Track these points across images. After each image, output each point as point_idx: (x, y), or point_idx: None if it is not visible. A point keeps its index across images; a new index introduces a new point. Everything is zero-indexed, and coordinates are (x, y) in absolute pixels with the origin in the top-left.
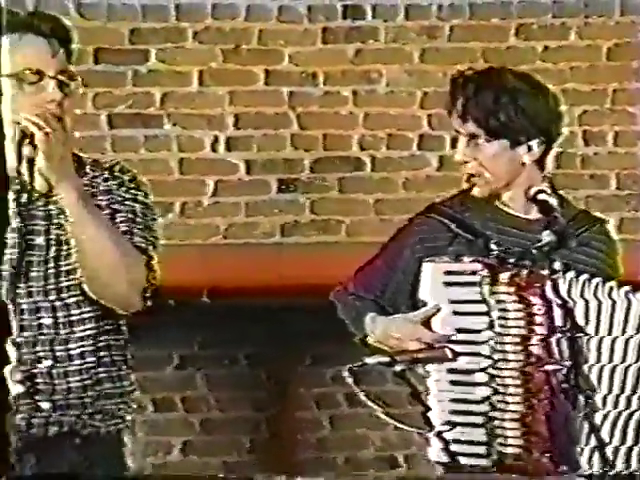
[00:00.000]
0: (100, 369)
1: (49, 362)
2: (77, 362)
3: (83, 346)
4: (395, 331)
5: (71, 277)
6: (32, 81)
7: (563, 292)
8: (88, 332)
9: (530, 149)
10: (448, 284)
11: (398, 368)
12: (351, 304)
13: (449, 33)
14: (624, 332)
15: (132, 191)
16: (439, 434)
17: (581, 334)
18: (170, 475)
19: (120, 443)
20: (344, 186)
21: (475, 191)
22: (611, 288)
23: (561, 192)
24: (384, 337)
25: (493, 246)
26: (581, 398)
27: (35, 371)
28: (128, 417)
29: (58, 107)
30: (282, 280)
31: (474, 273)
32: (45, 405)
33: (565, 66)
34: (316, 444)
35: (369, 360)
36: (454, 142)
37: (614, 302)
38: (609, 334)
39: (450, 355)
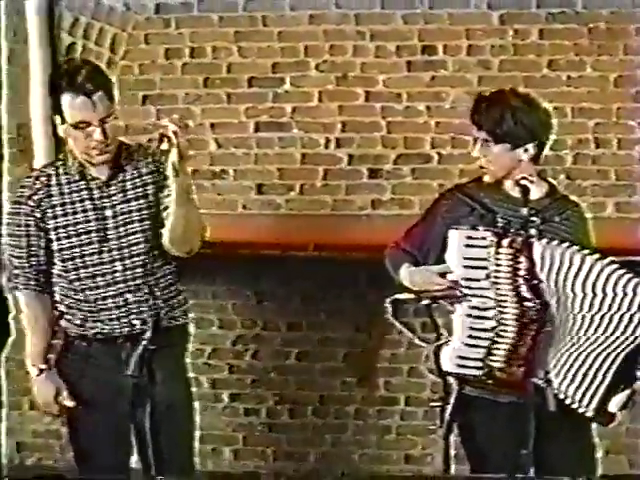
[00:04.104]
0: (161, 290)
1: (146, 289)
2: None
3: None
4: (418, 278)
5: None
6: (82, 127)
7: (536, 252)
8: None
9: (526, 151)
10: (467, 246)
11: (424, 302)
12: (394, 257)
13: (499, 65)
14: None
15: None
16: (438, 347)
17: (542, 282)
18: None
19: (187, 333)
20: (416, 174)
21: (485, 178)
22: (578, 251)
23: (551, 180)
24: (411, 282)
25: (499, 219)
26: (548, 329)
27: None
28: (191, 315)
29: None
30: (371, 241)
31: (484, 239)
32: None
33: (583, 90)
34: (390, 358)
35: (400, 296)
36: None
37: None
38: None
39: (460, 294)
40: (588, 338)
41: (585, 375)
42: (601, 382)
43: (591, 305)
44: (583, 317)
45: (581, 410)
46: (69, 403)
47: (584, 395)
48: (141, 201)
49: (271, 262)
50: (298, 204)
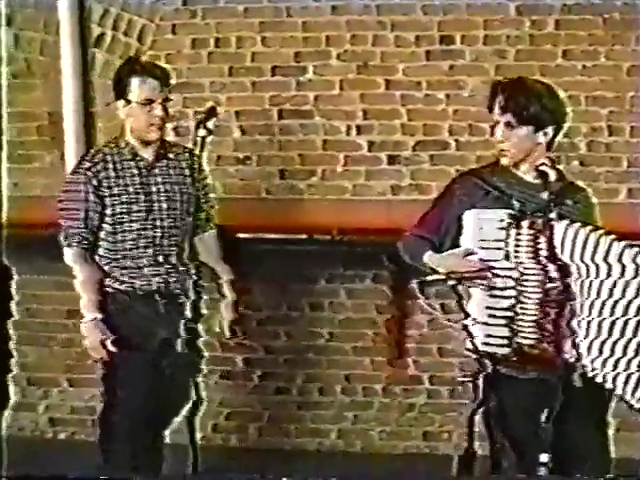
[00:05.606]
0: (188, 261)
1: (177, 256)
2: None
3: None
4: (446, 263)
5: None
6: (146, 104)
7: (558, 233)
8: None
9: (546, 134)
10: (481, 228)
11: (450, 283)
12: (412, 245)
13: (515, 54)
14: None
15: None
16: (465, 327)
17: (563, 263)
18: None
19: (199, 302)
20: (434, 160)
21: (503, 161)
22: (604, 235)
23: (559, 167)
24: (444, 267)
25: (514, 202)
26: (569, 306)
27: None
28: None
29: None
30: (390, 225)
31: (502, 220)
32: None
33: (597, 79)
34: (418, 338)
35: (428, 277)
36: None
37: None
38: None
39: (489, 275)
40: (626, 322)
41: (631, 365)
42: None
43: (621, 288)
44: (613, 301)
45: (632, 402)
46: (112, 348)
47: (636, 387)
48: (181, 185)
49: (293, 245)
50: (319, 189)
